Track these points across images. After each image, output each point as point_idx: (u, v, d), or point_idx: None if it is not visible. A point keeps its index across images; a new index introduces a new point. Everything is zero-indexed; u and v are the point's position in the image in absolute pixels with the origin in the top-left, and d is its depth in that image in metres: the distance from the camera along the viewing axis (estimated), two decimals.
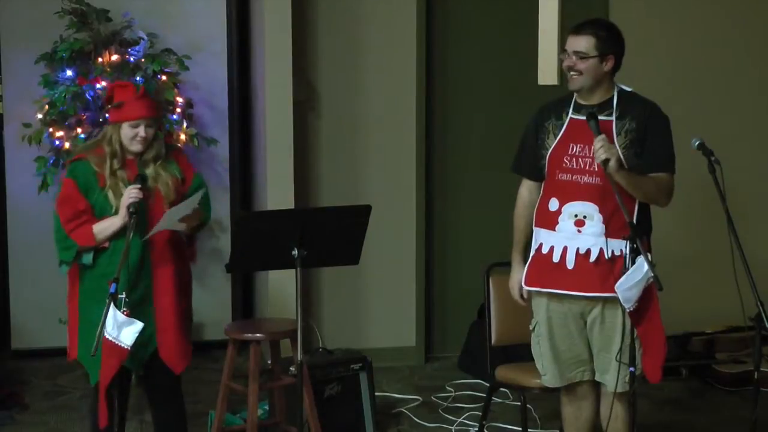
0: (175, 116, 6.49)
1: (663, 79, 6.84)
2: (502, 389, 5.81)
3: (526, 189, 4.64)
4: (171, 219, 4.46)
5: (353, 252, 4.56)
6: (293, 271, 4.40)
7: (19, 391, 6.25)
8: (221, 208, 6.89)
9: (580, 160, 4.40)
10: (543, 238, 4.49)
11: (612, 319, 4.42)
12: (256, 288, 7.25)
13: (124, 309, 4.23)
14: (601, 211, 4.36)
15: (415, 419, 5.97)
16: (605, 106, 4.43)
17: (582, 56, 4.38)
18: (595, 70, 4.40)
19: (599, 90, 4.44)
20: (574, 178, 4.40)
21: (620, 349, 4.35)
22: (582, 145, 4.39)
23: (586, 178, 4.38)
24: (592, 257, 4.38)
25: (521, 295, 4.64)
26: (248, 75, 7.20)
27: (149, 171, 4.55)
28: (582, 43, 4.39)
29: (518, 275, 4.62)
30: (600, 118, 4.38)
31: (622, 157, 4.31)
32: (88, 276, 4.53)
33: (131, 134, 4.51)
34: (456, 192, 7.02)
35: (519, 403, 5.23)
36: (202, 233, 5.19)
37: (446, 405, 6.17)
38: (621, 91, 4.46)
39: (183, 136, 6.49)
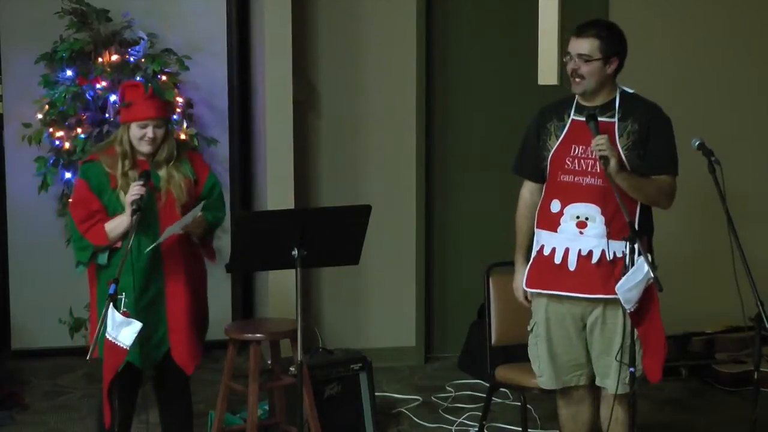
0: (175, 116, 6.49)
1: (663, 79, 6.83)
2: (502, 389, 5.80)
3: (528, 191, 4.63)
4: (172, 231, 4.47)
5: (353, 252, 4.56)
6: (293, 271, 4.40)
7: (19, 391, 6.24)
8: None
9: (582, 161, 4.39)
10: (545, 240, 4.49)
11: (613, 321, 4.41)
12: (256, 288, 7.24)
13: (124, 309, 4.22)
14: (603, 213, 4.35)
15: (415, 419, 5.97)
16: (607, 108, 4.42)
17: (586, 59, 4.36)
18: (600, 72, 4.38)
19: (602, 92, 4.43)
20: (576, 179, 4.39)
21: (620, 349, 4.35)
22: (584, 147, 4.38)
23: (588, 180, 4.37)
24: (594, 259, 4.37)
25: (526, 297, 4.64)
26: (248, 75, 7.19)
27: (162, 173, 4.56)
28: (585, 45, 4.37)
29: (522, 277, 4.60)
30: (602, 119, 4.37)
31: (624, 158, 4.31)
32: (104, 276, 4.54)
33: (139, 134, 4.52)
34: (456, 192, 7.01)
35: (519, 404, 5.23)
36: None
37: (446, 405, 6.17)
38: (623, 93, 4.45)
39: (183, 136, 6.48)
